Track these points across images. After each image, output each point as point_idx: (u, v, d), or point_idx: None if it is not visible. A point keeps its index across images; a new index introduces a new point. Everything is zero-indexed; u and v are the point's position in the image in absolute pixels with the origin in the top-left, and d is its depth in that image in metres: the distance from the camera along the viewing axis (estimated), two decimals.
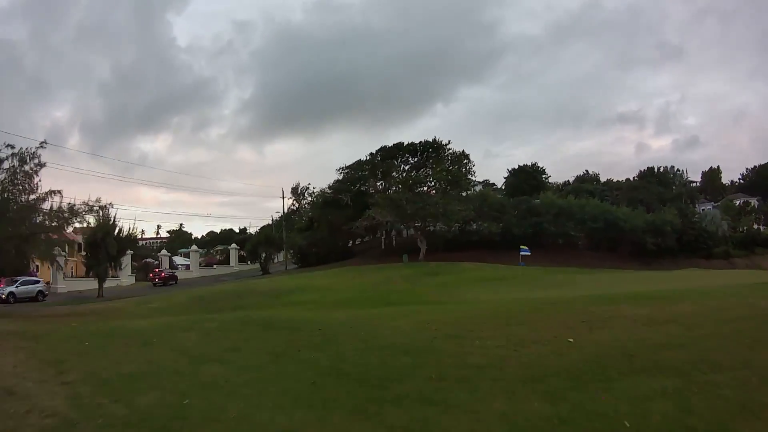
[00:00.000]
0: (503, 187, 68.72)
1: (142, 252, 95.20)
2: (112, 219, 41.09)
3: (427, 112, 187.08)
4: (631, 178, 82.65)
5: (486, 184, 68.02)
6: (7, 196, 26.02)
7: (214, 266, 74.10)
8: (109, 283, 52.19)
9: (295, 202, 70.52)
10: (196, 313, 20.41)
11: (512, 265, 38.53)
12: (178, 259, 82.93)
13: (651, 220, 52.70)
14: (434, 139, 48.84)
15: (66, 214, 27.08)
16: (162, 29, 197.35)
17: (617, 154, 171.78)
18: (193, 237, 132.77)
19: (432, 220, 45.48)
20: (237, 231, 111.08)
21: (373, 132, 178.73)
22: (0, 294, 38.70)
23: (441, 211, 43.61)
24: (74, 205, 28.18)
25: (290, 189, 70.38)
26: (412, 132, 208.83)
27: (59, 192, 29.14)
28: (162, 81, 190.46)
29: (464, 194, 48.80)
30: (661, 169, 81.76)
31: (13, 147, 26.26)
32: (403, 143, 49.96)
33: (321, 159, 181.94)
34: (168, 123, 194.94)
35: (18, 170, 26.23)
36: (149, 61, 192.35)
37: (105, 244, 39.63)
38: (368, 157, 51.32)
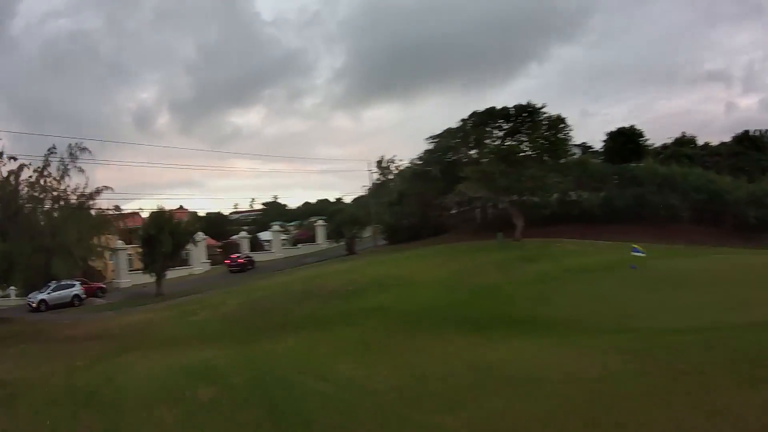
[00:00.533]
0: (602, 150, 63.67)
1: (231, 229, 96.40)
2: (168, 212, 39.78)
3: (522, 72, 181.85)
4: (726, 141, 76.08)
5: (584, 147, 64.42)
6: (34, 207, 25.42)
7: (299, 245, 72.04)
8: (179, 272, 51.81)
9: (381, 175, 68.40)
10: (230, 339, 18.06)
11: (615, 242, 35.13)
12: (269, 234, 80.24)
13: (752, 190, 48.12)
14: (528, 103, 45.72)
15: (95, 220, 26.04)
16: (244, 5, 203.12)
17: (707, 113, 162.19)
18: (287, 208, 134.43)
19: (528, 194, 42.38)
20: (334, 200, 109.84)
21: (470, 95, 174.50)
22: (30, 302, 37.88)
23: (538, 185, 40.68)
24: (102, 210, 27.31)
25: (375, 162, 68.45)
26: (508, 94, 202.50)
27: (95, 192, 28.33)
28: (249, 56, 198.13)
29: (562, 161, 45.37)
30: (757, 133, 73.94)
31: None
32: (494, 108, 46.77)
33: (418, 123, 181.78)
34: (260, 96, 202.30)
35: (37, 181, 25.75)
36: (234, 37, 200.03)
37: (159, 241, 37.74)
38: (460, 124, 48.27)
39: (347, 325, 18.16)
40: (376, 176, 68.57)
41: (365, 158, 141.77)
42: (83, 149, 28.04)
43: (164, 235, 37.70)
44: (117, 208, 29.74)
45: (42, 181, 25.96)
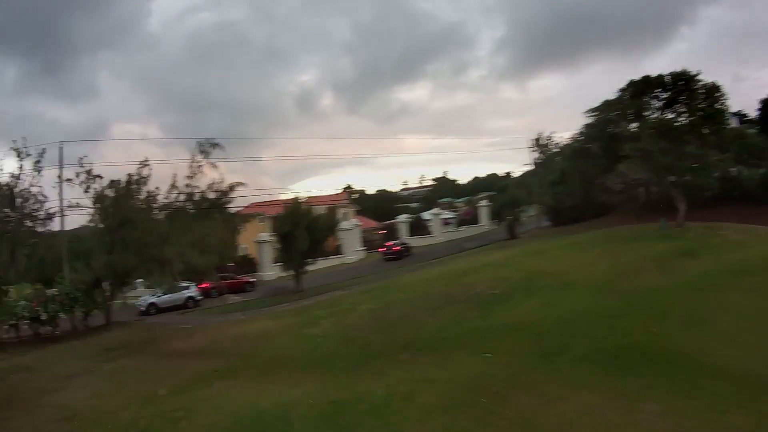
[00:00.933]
0: (757, 120, 57.81)
1: (399, 207, 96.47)
2: (305, 206, 38.96)
3: (674, 36, 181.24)
4: None
5: (740, 117, 58.12)
6: (142, 219, 25.70)
7: (461, 227, 69.89)
8: (330, 262, 51.79)
9: (540, 153, 64.84)
10: (336, 365, 16.29)
11: None
12: (438, 212, 74.60)
13: None
14: (683, 70, 42.09)
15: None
16: None
17: None
18: (457, 184, 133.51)
19: (689, 174, 37.94)
20: (503, 175, 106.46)
21: (629, 61, 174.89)
22: (139, 306, 37.78)
23: (699, 163, 36.67)
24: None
25: (533, 140, 65.51)
26: (663, 59, 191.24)
27: (228, 188, 28.46)
28: (408, 32, 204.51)
29: (721, 135, 40.08)
30: None
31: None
32: (649, 76, 43.65)
33: (583, 92, 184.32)
34: (424, 71, 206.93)
35: (132, 192, 26.20)
36: (389, 15, 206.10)
37: (294, 238, 36.96)
38: (618, 95, 45.53)
39: (471, 354, 15.71)
40: (535, 154, 65.41)
41: (534, 130, 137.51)
42: (215, 145, 28.18)
43: (300, 231, 36.90)
44: (235, 217, 29.87)
45: (143, 192, 26.60)
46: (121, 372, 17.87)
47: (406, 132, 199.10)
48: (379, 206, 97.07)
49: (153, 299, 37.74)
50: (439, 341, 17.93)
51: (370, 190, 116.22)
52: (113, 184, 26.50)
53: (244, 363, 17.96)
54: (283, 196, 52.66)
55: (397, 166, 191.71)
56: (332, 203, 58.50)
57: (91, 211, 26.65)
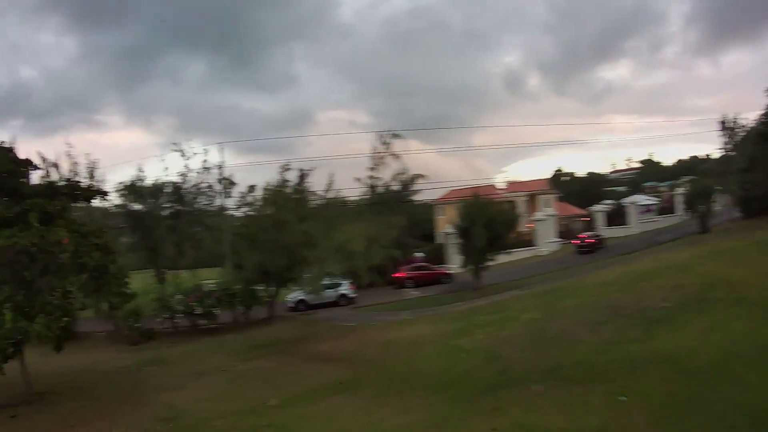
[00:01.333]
0: None
1: (606, 191, 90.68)
2: (484, 200, 37.24)
3: None
4: None
5: None
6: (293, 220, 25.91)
7: (656, 218, 64.49)
8: (520, 255, 49.59)
9: (729, 138, 56.68)
10: (462, 392, 14.86)
11: None
12: (637, 199, 70.50)
13: None
14: None
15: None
16: None
17: None
18: (663, 166, 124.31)
19: None
20: (703, 157, 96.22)
21: None
22: (288, 303, 37.61)
23: None
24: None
25: (719, 123, 57.21)
26: None
27: (410, 180, 28.08)
28: (600, 9, 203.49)
29: None
30: None
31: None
32: None
33: None
34: (622, 48, 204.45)
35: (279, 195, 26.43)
36: None
37: (472, 234, 35.29)
38: None
39: (607, 392, 13.39)
40: (723, 139, 57.70)
41: (729, 109, 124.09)
42: (395, 135, 28.04)
43: (477, 228, 35.18)
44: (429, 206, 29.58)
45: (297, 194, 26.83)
46: (250, 374, 18.04)
47: (613, 112, 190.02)
48: (586, 190, 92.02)
49: (302, 296, 37.26)
50: (584, 370, 15.63)
51: (581, 173, 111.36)
52: (253, 188, 27.30)
53: (373, 376, 17.07)
54: (494, 180, 51.89)
55: (607, 148, 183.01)
56: (532, 191, 56.20)
57: (244, 212, 27.79)
